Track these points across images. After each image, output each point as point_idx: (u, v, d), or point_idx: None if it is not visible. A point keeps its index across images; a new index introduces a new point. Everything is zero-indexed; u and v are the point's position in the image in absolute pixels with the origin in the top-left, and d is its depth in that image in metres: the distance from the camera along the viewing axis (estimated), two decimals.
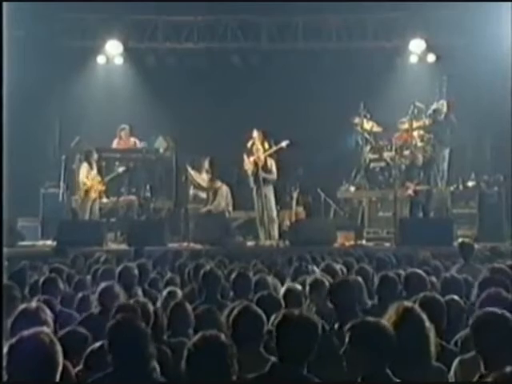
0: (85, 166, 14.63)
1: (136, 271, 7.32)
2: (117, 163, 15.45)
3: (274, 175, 14.70)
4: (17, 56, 13.63)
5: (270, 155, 14.78)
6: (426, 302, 4.95)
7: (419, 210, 14.26)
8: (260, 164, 14.70)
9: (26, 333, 3.51)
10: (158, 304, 6.12)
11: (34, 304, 4.86)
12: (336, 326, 5.16)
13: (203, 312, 5.44)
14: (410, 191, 14.19)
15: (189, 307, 5.61)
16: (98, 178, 14.66)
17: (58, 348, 3.48)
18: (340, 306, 5.42)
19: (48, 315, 4.64)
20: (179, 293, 6.56)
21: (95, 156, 14.73)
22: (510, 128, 14.75)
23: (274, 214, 14.51)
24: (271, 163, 14.67)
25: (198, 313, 5.45)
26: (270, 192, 14.60)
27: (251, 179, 15.98)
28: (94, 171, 14.68)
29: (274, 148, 15.17)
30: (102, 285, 6.18)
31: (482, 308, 4.50)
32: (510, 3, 14.61)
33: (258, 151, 14.64)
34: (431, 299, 5.04)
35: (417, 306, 4.31)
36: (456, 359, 4.39)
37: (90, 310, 6.21)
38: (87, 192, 14.49)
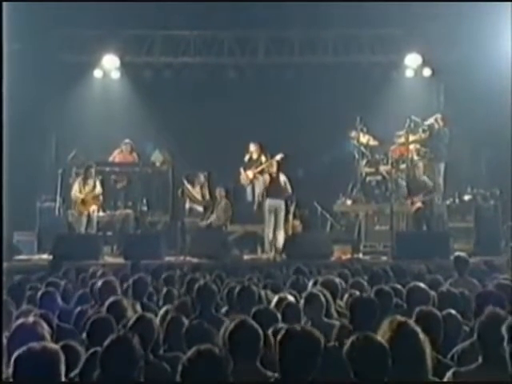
0: (78, 180, 14.64)
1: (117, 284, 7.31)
2: (113, 177, 15.50)
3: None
4: (13, 69, 13.65)
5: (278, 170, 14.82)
6: (422, 316, 4.94)
7: (424, 222, 14.25)
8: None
9: (32, 345, 3.49)
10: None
11: (31, 319, 4.84)
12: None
13: (196, 326, 5.41)
14: (419, 204, 14.20)
15: (185, 322, 5.59)
16: (93, 192, 14.64)
17: (62, 362, 3.47)
18: (359, 322, 5.36)
19: (45, 330, 4.62)
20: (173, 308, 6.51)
21: (90, 170, 14.71)
22: (506, 141, 14.79)
23: (269, 229, 14.46)
24: (264, 179, 14.73)
25: (191, 326, 5.42)
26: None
27: (248, 192, 16.14)
28: (89, 185, 14.65)
29: (269, 162, 15.27)
30: (110, 299, 6.15)
31: (481, 328, 4.51)
32: (507, 15, 14.63)
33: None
34: (428, 313, 5.04)
35: (411, 321, 4.29)
36: (450, 371, 4.39)
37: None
38: (81, 206, 14.49)
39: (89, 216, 14.55)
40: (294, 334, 3.97)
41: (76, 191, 14.55)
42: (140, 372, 4.09)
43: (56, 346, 3.63)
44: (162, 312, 6.42)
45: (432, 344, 4.52)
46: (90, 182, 14.67)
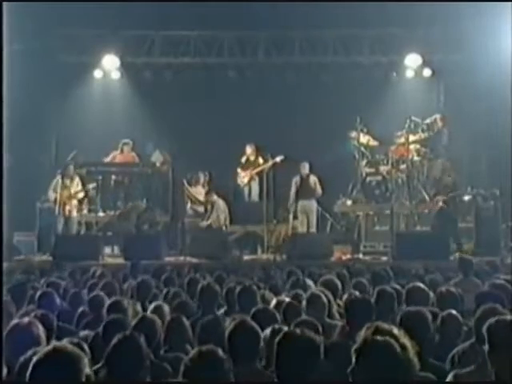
0: (56, 180, 14.62)
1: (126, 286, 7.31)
2: (113, 177, 15.51)
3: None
4: (14, 69, 13.65)
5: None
6: (407, 316, 4.89)
7: (445, 221, 14.33)
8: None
9: (57, 345, 3.39)
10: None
11: (26, 319, 4.80)
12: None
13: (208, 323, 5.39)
14: (441, 203, 14.29)
15: (186, 322, 5.58)
16: (69, 191, 14.59)
17: (86, 362, 3.37)
18: (355, 322, 5.32)
19: (41, 330, 4.57)
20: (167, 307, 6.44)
21: (68, 169, 14.65)
22: (506, 141, 14.78)
23: (302, 229, 14.86)
24: (295, 181, 15.09)
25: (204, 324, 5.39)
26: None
27: (245, 193, 16.20)
28: (65, 184, 14.53)
29: (270, 163, 15.30)
30: (110, 300, 6.12)
31: (478, 324, 4.50)
32: (508, 15, 14.62)
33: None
34: (413, 314, 4.99)
35: (385, 325, 4.20)
36: (451, 373, 4.37)
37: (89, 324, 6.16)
38: (59, 206, 14.45)
39: (64, 216, 14.52)
40: (292, 338, 3.93)
41: (50, 191, 14.54)
42: (146, 371, 4.07)
43: (77, 349, 3.46)
44: (151, 307, 6.31)
45: (418, 346, 4.44)
46: (67, 181, 14.61)
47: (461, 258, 9.21)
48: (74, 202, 14.61)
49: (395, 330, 3.87)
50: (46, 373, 3.25)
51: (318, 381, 3.87)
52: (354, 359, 3.49)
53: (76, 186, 14.64)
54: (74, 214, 14.62)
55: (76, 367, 3.28)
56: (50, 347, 3.35)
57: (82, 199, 14.95)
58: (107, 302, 6.21)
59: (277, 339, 3.97)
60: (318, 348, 3.90)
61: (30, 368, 3.27)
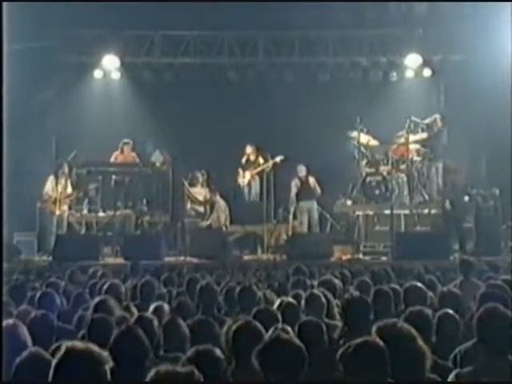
0: (50, 178, 14.65)
1: (123, 288, 7.31)
2: (114, 177, 15.52)
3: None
4: (14, 69, 13.64)
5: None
6: (412, 316, 4.89)
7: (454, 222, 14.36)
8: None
9: (77, 346, 3.30)
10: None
11: (10, 321, 4.78)
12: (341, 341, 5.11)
13: (200, 324, 5.39)
14: (447, 204, 14.40)
15: (182, 322, 5.56)
16: (65, 191, 14.63)
17: (108, 365, 3.27)
18: (353, 322, 5.33)
19: (26, 331, 4.57)
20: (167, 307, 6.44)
21: (62, 168, 14.70)
22: (506, 141, 14.78)
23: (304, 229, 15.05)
24: (295, 183, 15.29)
25: (195, 325, 5.39)
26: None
27: (245, 193, 16.21)
28: (61, 184, 14.60)
29: (270, 163, 15.31)
30: (96, 299, 6.14)
31: (480, 323, 4.49)
32: (508, 16, 14.62)
33: None
34: (418, 313, 4.99)
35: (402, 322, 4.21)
36: (452, 373, 4.37)
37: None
38: (52, 205, 14.48)
39: (60, 216, 14.55)
40: (275, 343, 3.93)
41: (48, 190, 14.56)
42: (150, 364, 4.05)
43: (100, 350, 3.34)
44: (151, 308, 6.32)
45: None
46: (62, 180, 14.67)
47: (462, 260, 9.21)
48: (67, 201, 14.68)
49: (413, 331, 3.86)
50: (67, 374, 3.17)
51: (316, 380, 3.88)
52: None
53: (70, 185, 14.72)
54: (66, 213, 14.68)
55: (97, 363, 3.20)
56: (62, 350, 3.25)
57: (74, 199, 15.03)
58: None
59: (264, 342, 3.98)
60: (300, 352, 3.90)
61: (52, 371, 3.19)
